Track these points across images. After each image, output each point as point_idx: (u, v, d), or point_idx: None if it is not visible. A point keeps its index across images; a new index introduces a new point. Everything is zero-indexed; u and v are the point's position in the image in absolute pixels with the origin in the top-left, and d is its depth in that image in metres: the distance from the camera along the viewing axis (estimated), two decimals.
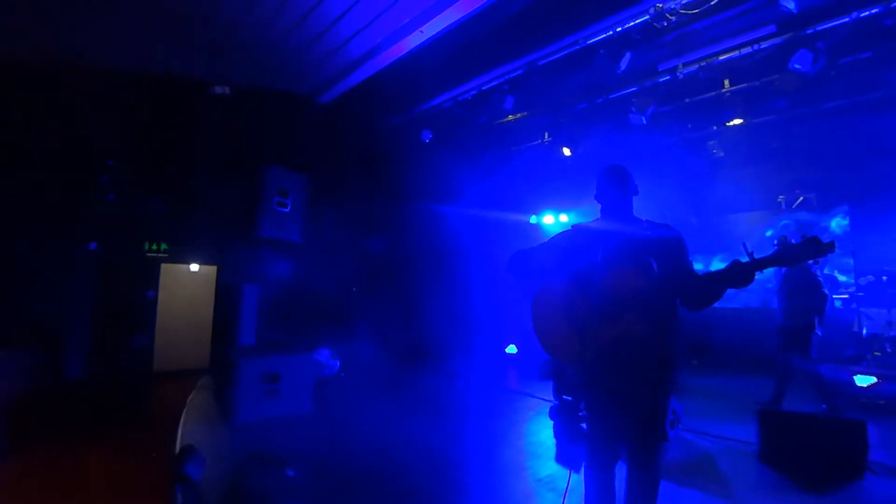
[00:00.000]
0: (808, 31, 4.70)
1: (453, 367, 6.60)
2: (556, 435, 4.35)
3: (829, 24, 4.57)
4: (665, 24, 4.68)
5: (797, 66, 4.76)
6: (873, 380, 4.56)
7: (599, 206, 2.37)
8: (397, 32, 5.21)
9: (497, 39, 5.56)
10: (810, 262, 3.85)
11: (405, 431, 4.25)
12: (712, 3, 4.33)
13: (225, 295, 5.17)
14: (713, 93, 6.10)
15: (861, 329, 5.66)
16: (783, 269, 5.06)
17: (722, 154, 7.44)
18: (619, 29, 4.95)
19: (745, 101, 6.07)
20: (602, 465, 2.21)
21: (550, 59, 5.57)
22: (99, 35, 4.86)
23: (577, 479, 2.77)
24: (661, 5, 4.63)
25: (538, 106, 6.82)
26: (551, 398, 4.97)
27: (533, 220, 9.43)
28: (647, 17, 4.74)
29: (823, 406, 4.27)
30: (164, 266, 6.60)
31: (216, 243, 4.84)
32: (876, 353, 5.26)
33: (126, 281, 5.81)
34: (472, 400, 5.82)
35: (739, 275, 1.94)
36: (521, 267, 2.42)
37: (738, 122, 6.69)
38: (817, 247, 1.85)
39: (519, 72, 5.93)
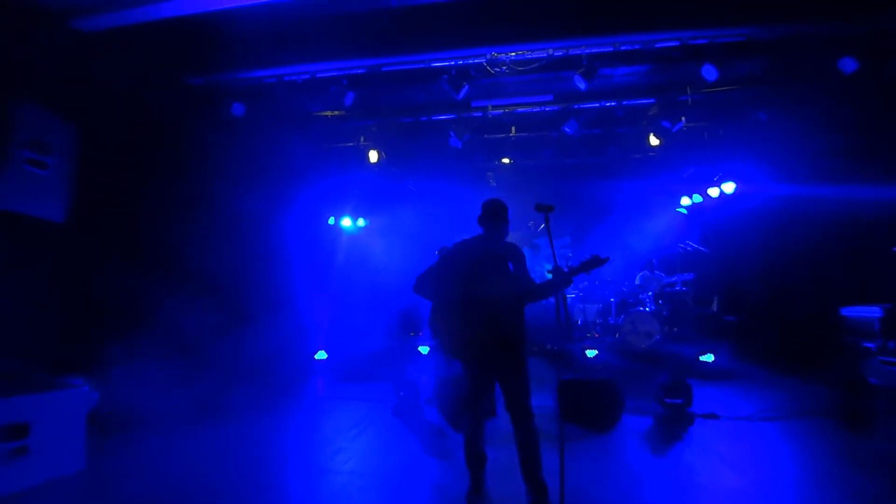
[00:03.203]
0: (574, 107, 6.58)
1: (258, 378, 5.78)
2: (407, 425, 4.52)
3: (586, 106, 6.54)
4: (496, 70, 5.65)
5: (567, 129, 6.57)
6: (596, 352, 6.68)
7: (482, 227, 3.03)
8: None
9: (344, 32, 5.39)
10: None
11: (219, 475, 3.40)
12: (533, 66, 5.52)
13: None
14: (503, 135, 7.64)
15: (579, 319, 8.14)
16: None
17: (495, 184, 9.31)
18: (461, 62, 5.64)
19: (523, 146, 7.85)
20: (474, 411, 2.87)
21: (396, 68, 5.78)
22: None
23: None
24: (496, 54, 5.57)
25: (366, 109, 6.86)
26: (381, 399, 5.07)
27: (331, 221, 9.24)
28: (484, 60, 5.61)
29: None
30: None
31: None
32: (588, 335, 7.69)
33: None
34: (293, 415, 5.29)
35: (562, 280, 2.82)
36: (425, 288, 2.97)
37: (507, 161, 8.60)
38: (599, 260, 2.90)
39: (360, 71, 5.88)
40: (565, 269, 2.89)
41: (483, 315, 2.75)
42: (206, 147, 5.91)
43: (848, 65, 4.75)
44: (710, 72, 5.07)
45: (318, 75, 5.96)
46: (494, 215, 2.97)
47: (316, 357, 7.01)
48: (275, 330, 6.49)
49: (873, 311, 5.47)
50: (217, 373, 5.11)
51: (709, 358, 6.12)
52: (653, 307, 7.09)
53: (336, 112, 7.34)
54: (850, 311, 5.79)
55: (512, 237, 3.23)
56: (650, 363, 6.39)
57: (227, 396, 4.70)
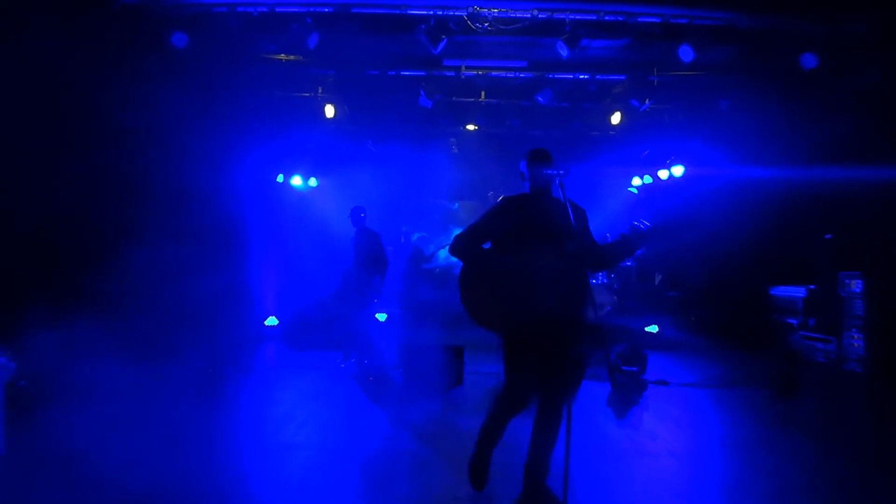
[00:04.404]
0: (548, 76, 6.44)
1: (202, 348, 5.25)
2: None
3: (560, 76, 6.43)
4: (478, 25, 5.32)
5: (540, 98, 6.44)
6: None
7: (528, 181, 2.52)
8: None
9: None
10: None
11: (169, 457, 2.95)
12: (515, 26, 5.26)
13: None
14: (472, 98, 7.35)
15: None
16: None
17: (457, 151, 9.03)
18: (440, 13, 5.23)
19: (491, 113, 7.63)
20: (517, 396, 2.48)
21: (368, 11, 5.25)
22: None
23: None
24: (478, 8, 5.22)
25: (328, 56, 6.20)
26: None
27: (280, 178, 8.50)
28: (465, 13, 5.25)
29: None
30: None
31: None
32: None
33: None
34: (246, 387, 4.92)
35: (631, 245, 2.45)
36: (465, 248, 2.49)
37: (473, 127, 8.37)
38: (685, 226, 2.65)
39: (327, 9, 5.27)
40: (641, 229, 2.36)
41: (550, 286, 2.29)
42: (141, 80, 5.05)
43: (808, 61, 5.02)
44: (686, 52, 5.13)
45: (278, 9, 5.26)
46: (548, 166, 2.42)
47: (266, 323, 6.54)
48: (219, 294, 5.91)
49: (798, 291, 6.09)
50: (157, 342, 4.56)
51: (653, 329, 6.54)
52: (605, 280, 7.39)
53: (293, 57, 6.61)
54: (778, 291, 6.42)
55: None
56: (602, 333, 6.69)
57: (170, 367, 4.19)
